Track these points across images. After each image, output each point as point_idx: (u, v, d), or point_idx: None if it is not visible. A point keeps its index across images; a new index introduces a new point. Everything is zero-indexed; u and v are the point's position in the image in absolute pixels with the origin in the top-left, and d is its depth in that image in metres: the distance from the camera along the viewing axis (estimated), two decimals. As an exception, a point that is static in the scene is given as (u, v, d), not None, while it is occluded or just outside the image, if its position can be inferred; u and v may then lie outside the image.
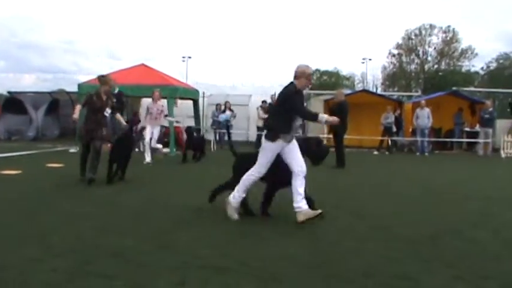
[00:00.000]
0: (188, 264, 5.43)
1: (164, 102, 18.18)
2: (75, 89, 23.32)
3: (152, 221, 7.60)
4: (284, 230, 7.21)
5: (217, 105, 27.03)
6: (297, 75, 7.88)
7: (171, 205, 8.97)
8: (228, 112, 26.16)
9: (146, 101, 22.99)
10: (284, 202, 8.15)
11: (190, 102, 24.95)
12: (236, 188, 7.95)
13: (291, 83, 7.91)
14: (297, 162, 7.78)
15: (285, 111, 7.73)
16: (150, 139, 16.75)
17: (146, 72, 22.84)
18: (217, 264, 5.47)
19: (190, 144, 18.00)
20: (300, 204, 7.61)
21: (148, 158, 16.56)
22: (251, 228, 7.23)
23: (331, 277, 5.15)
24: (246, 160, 8.28)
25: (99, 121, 11.50)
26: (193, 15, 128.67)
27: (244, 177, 7.91)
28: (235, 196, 7.91)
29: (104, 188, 10.43)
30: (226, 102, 26.74)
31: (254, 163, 7.96)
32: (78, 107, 11.84)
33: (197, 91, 25.86)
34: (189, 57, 77.55)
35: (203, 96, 30.51)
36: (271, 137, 7.69)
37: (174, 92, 21.60)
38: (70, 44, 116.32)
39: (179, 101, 22.09)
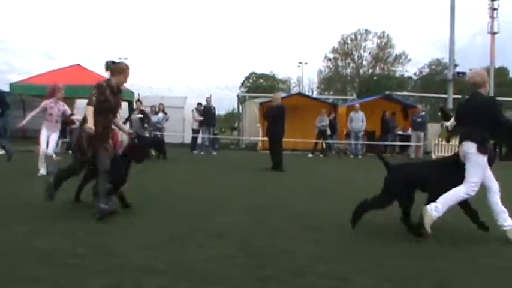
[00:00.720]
0: (121, 267, 5.37)
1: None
2: (6, 88, 22.73)
3: (85, 223, 7.44)
4: (217, 232, 7.17)
5: (152, 107, 26.74)
6: (480, 83, 7.22)
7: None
8: (161, 114, 25.94)
9: (80, 103, 22.62)
10: (215, 204, 8.14)
11: (125, 104, 24.67)
12: (441, 201, 7.01)
13: (479, 93, 7.25)
14: (492, 178, 7.27)
15: (488, 122, 7.04)
16: (46, 146, 12.97)
17: (81, 73, 22.48)
18: (150, 267, 5.42)
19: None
20: (508, 221, 7.04)
21: (43, 169, 13.06)
22: (185, 231, 7.17)
23: (264, 279, 5.16)
24: (403, 173, 7.59)
25: (108, 125, 8.38)
26: (130, 17, 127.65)
27: (452, 193, 7.03)
28: (439, 209, 6.99)
29: (33, 189, 10.15)
30: (160, 105, 26.51)
31: (413, 176, 7.43)
32: (89, 109, 7.98)
33: (132, 93, 25.60)
34: (125, 58, 76.60)
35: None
36: (484, 150, 7.00)
37: (108, 93, 21.28)
38: (1, 43, 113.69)
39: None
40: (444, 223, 7.59)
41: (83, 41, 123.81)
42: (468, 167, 7.05)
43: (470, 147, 7.02)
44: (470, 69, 7.55)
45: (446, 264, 5.88)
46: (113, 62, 8.46)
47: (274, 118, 16.82)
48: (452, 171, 7.29)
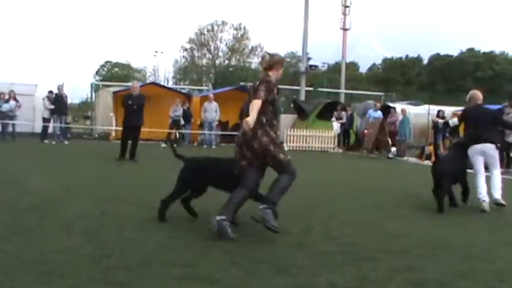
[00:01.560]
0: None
1: None
2: None
3: None
4: (65, 223, 7.02)
5: (0, 94, 25.67)
6: (480, 99, 10.33)
7: None
8: (12, 102, 24.96)
9: None
10: (64, 195, 7.97)
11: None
12: (498, 188, 9.77)
13: (482, 105, 10.39)
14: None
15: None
16: None
17: None
18: (-12, 261, 5.19)
19: None
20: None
21: None
22: (31, 223, 6.96)
23: (112, 268, 5.12)
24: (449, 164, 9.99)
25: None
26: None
27: (498, 178, 9.94)
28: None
29: None
30: (10, 92, 25.48)
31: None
32: (257, 103, 6.67)
33: (-23, 79, 24.44)
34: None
35: (-15, 86, 28.86)
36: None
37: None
38: None
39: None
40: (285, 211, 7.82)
41: None
42: (494, 158, 9.95)
43: (492, 148, 9.88)
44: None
45: (288, 251, 6.10)
46: (271, 54, 7.18)
47: (139, 107, 16.63)
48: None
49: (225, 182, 7.25)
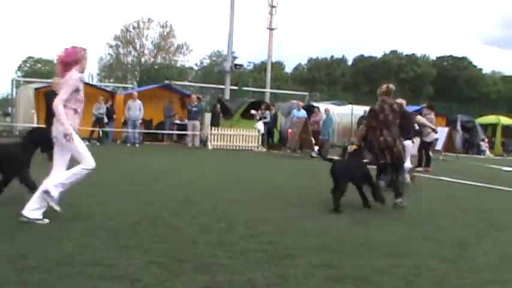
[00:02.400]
0: None
1: None
2: None
3: None
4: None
5: None
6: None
7: None
8: None
9: None
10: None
11: None
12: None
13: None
14: None
15: None
16: None
17: None
18: None
19: None
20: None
21: None
22: None
23: (28, 269, 5.01)
24: None
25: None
26: None
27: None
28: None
29: None
30: None
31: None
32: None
33: None
34: None
35: None
36: None
37: None
38: None
39: None
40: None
41: None
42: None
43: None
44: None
45: (208, 249, 6.12)
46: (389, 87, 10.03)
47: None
48: None
49: (360, 176, 9.51)
